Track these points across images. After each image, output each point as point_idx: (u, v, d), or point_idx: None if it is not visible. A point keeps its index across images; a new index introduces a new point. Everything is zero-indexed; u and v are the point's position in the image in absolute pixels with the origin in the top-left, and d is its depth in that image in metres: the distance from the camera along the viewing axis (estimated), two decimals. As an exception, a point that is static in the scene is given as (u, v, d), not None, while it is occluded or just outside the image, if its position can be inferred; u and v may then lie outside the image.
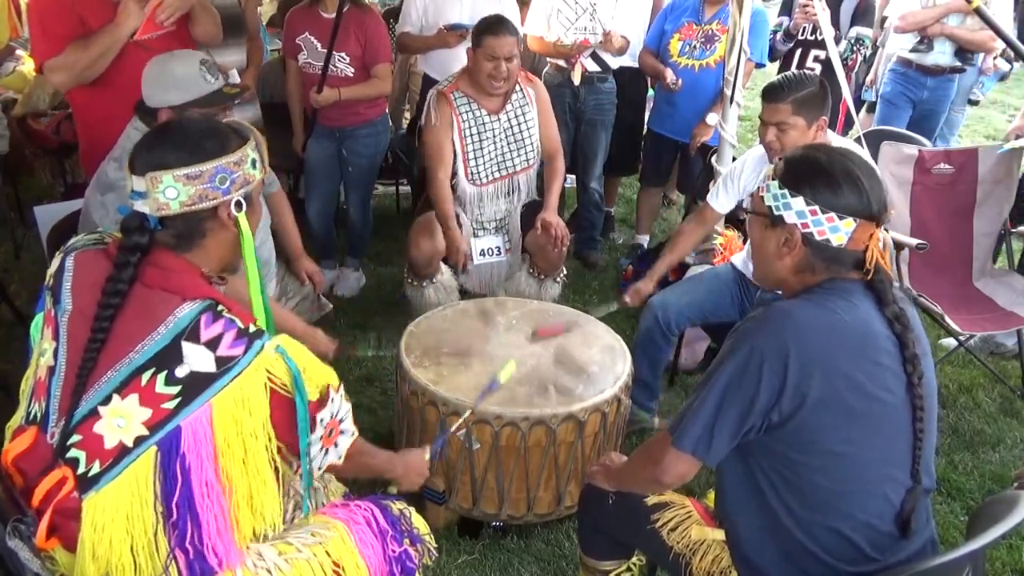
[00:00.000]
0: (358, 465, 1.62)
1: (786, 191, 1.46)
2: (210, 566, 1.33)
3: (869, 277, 1.47)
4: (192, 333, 1.30)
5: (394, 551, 1.61)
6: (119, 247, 1.36)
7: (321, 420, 1.39)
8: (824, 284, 1.48)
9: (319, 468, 1.46)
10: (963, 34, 4.42)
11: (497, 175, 3.24)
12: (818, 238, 1.45)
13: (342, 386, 1.45)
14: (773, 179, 1.50)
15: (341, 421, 1.46)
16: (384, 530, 1.61)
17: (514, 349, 2.50)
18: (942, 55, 4.50)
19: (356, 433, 1.51)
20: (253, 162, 1.44)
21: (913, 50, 4.51)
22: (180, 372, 1.28)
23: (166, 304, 1.32)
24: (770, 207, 1.49)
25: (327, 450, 1.45)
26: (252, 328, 1.35)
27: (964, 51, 4.51)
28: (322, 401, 1.39)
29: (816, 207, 1.44)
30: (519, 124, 3.23)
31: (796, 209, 1.45)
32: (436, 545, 1.77)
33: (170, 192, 1.34)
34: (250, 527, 1.40)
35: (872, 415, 1.43)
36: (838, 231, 1.44)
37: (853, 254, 1.47)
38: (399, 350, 2.44)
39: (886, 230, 2.92)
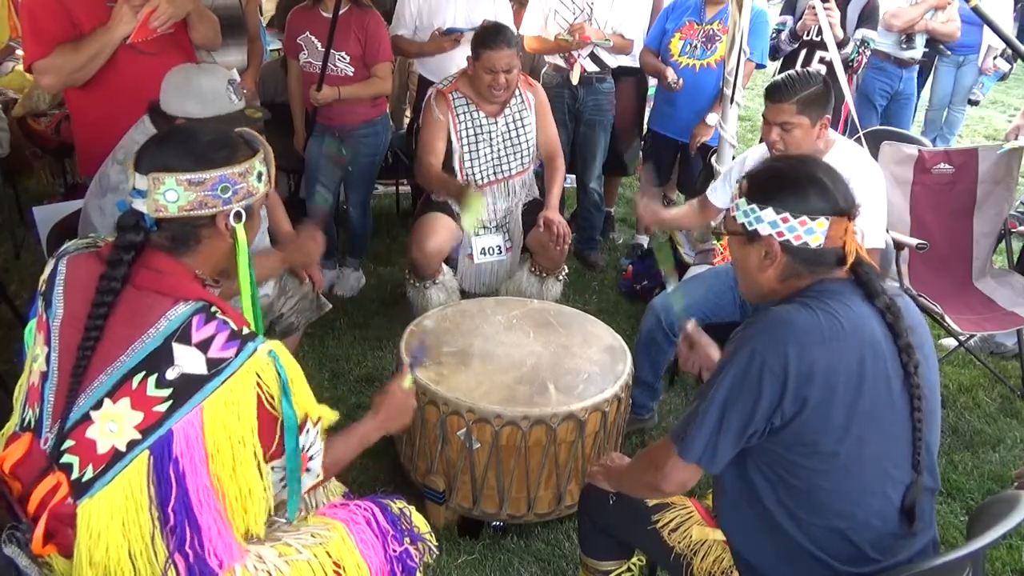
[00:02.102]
0: (347, 462, 1.59)
1: (755, 205, 1.49)
2: (211, 568, 1.32)
3: (851, 269, 1.48)
4: (183, 334, 1.29)
5: (395, 550, 1.60)
6: (113, 245, 1.35)
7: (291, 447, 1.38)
8: (814, 287, 1.49)
9: (273, 499, 1.42)
10: (939, 27, 4.72)
11: (493, 178, 3.24)
12: (795, 243, 1.47)
13: (320, 424, 1.43)
14: (740, 197, 1.52)
15: (311, 459, 1.43)
16: (384, 529, 1.60)
17: (515, 348, 2.50)
18: (916, 50, 4.78)
19: (321, 476, 1.48)
20: (259, 175, 1.44)
21: (905, 47, 4.69)
22: (171, 374, 1.27)
23: (158, 306, 1.31)
24: (743, 224, 1.51)
25: (285, 484, 1.42)
26: (245, 331, 1.33)
27: (934, 42, 4.90)
28: (299, 428, 1.38)
29: (787, 214, 1.46)
30: (516, 128, 3.23)
31: (768, 220, 1.47)
32: (437, 543, 1.76)
33: (170, 195, 1.34)
34: (244, 527, 1.39)
35: (871, 414, 1.43)
36: (813, 232, 1.46)
37: (833, 251, 1.48)
38: (399, 349, 2.44)
39: (886, 230, 2.93)
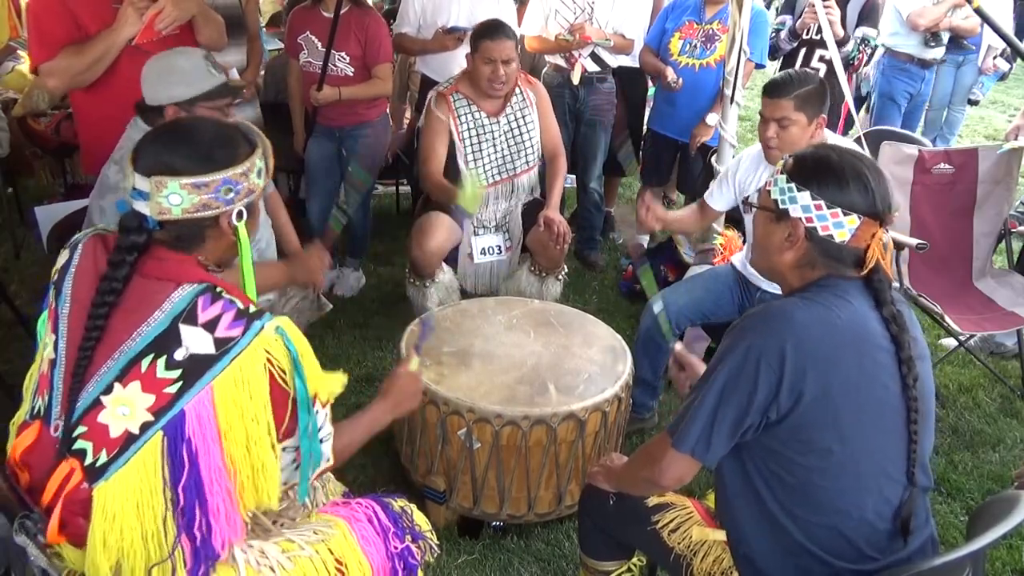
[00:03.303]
0: (355, 446, 1.58)
1: (793, 185, 1.47)
2: (214, 548, 1.32)
3: (867, 275, 1.47)
4: (190, 315, 1.30)
5: (396, 548, 1.61)
6: (116, 246, 1.36)
7: (303, 424, 1.38)
8: (820, 281, 1.48)
9: (284, 483, 1.43)
10: (961, 24, 4.71)
11: (498, 177, 3.24)
12: (821, 233, 1.46)
13: (330, 405, 1.43)
14: (782, 173, 1.51)
15: (321, 441, 1.43)
16: (386, 527, 1.61)
17: (515, 348, 2.51)
18: (941, 48, 4.77)
19: (331, 461, 1.47)
20: (259, 171, 1.44)
21: (930, 46, 4.72)
22: (179, 355, 1.28)
23: (162, 291, 1.32)
24: (776, 200, 1.50)
25: (298, 466, 1.42)
26: (252, 309, 1.34)
27: (958, 40, 4.85)
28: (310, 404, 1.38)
29: (822, 202, 1.45)
30: (519, 126, 3.23)
31: (802, 203, 1.46)
32: (438, 542, 1.76)
33: (174, 199, 1.34)
34: (255, 503, 1.38)
35: (868, 412, 1.43)
36: (842, 227, 1.45)
37: (854, 252, 1.47)
38: (399, 349, 2.44)
39: (886, 230, 2.94)
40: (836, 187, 1.45)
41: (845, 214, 1.44)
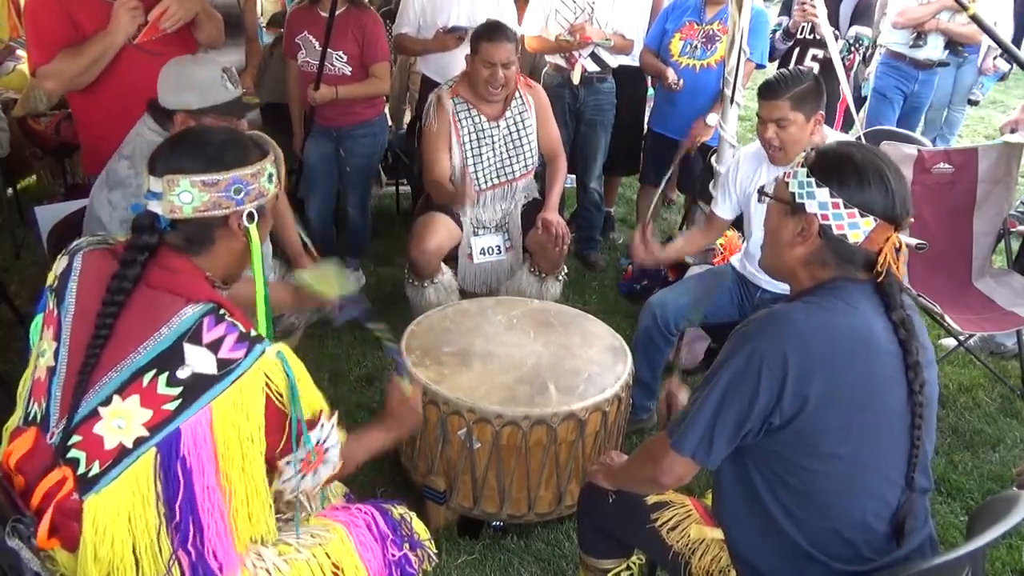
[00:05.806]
0: (355, 465, 1.60)
1: (813, 180, 1.45)
2: (211, 569, 1.33)
3: (880, 280, 1.46)
4: (195, 335, 1.31)
5: (394, 555, 1.61)
6: (127, 245, 1.37)
7: (305, 442, 1.40)
8: (827, 284, 1.47)
9: (291, 492, 1.45)
10: (955, 28, 4.68)
11: (496, 181, 3.25)
12: (835, 232, 1.44)
13: (335, 416, 1.46)
14: (802, 167, 1.49)
15: (327, 451, 1.45)
16: (384, 534, 1.61)
17: (515, 348, 2.51)
18: (934, 49, 4.74)
19: (339, 466, 1.50)
20: (270, 176, 1.46)
21: (913, 46, 4.71)
22: (182, 373, 1.28)
23: (170, 306, 1.33)
24: (793, 193, 1.48)
25: (304, 475, 1.44)
26: (253, 333, 1.36)
27: (954, 44, 4.81)
28: (312, 423, 1.40)
29: (840, 200, 1.43)
30: (518, 131, 3.24)
31: (819, 200, 1.44)
32: (436, 550, 1.77)
33: (185, 196, 1.36)
34: (248, 533, 1.40)
35: (871, 418, 1.43)
36: (857, 228, 1.43)
37: (866, 254, 1.45)
38: (400, 349, 2.44)
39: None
40: (856, 186, 1.42)
41: (862, 215, 1.42)
